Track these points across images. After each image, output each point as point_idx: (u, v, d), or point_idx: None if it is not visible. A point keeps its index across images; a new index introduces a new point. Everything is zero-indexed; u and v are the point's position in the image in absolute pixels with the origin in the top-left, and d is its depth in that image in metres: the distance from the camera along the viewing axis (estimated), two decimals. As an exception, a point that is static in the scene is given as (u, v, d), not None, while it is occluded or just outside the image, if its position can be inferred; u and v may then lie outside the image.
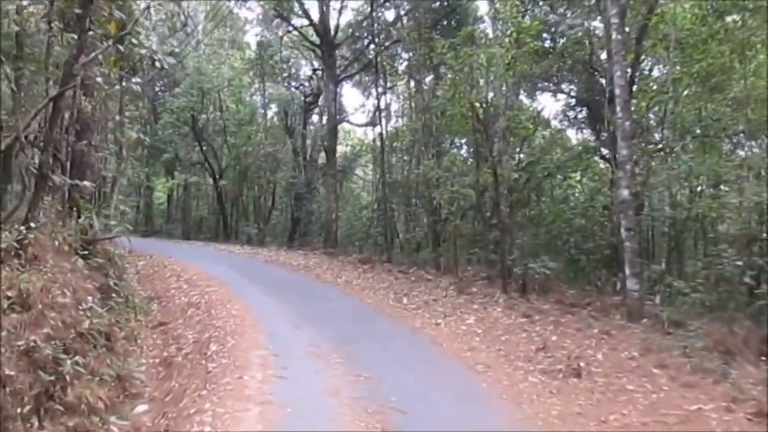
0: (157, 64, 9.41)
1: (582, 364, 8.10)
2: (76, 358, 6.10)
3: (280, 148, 28.90)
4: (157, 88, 34.14)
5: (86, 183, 11.48)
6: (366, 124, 27.76)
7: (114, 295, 9.42)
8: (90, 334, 6.76)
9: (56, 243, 7.46)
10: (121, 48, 9.13)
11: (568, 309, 11.62)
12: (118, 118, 11.76)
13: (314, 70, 27.16)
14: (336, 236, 24.13)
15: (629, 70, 13.35)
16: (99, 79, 9.30)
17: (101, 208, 10.26)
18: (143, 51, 9.44)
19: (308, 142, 31.73)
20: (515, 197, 13.95)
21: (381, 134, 22.84)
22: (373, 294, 14.12)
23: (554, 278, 13.96)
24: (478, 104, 13.24)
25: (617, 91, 11.43)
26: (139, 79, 12.24)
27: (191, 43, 31.66)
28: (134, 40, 9.63)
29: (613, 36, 11.48)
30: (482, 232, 16.76)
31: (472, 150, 20.83)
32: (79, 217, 9.25)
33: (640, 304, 10.96)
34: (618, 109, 11.36)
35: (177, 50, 31.37)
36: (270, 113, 33.86)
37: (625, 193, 11.16)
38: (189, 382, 7.68)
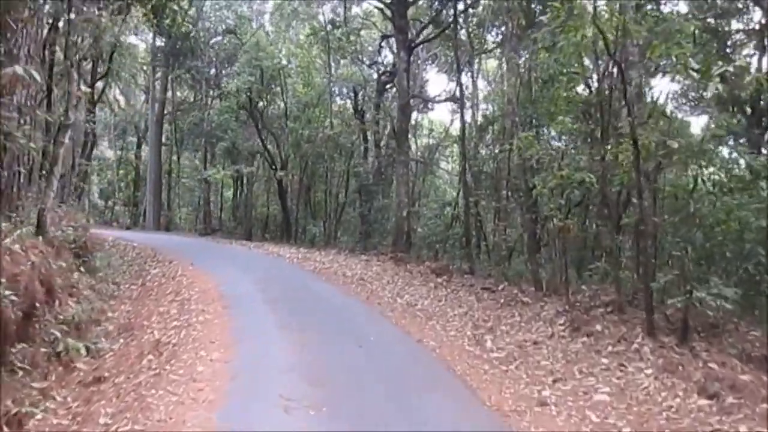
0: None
1: None
2: None
3: (347, 134, 24.63)
4: (218, 72, 30.94)
5: None
6: (446, 100, 22.92)
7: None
8: None
9: None
10: None
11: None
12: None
13: (383, 36, 22.65)
14: (409, 238, 19.59)
15: None
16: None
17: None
18: None
19: (386, 130, 27.41)
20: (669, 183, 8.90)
21: (461, 109, 18.13)
22: (442, 328, 9.51)
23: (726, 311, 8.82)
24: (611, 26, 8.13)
25: None
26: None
27: (251, 15, 28.10)
28: None
29: None
30: (603, 234, 11.83)
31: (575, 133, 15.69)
32: None
33: None
34: None
35: (234, 24, 28.03)
36: (341, 96, 29.78)
37: None
38: None
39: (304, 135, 22.89)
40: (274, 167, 25.92)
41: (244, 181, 29.94)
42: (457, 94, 19.77)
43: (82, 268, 10.77)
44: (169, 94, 34.83)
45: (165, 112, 34.56)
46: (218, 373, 6.59)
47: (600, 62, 9.64)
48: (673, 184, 9.31)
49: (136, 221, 36.25)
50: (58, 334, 7.44)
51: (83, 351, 8.12)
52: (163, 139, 36.13)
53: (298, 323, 8.94)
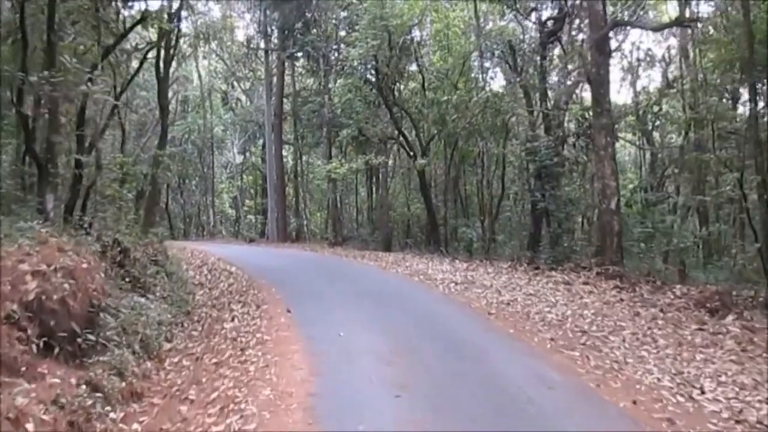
0: None
1: None
2: None
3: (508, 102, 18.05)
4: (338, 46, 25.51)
5: None
6: (671, 24, 15.16)
7: None
8: None
9: None
10: None
11: None
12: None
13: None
14: (620, 243, 12.81)
15: None
16: None
17: None
18: None
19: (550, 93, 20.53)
20: None
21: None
22: None
23: None
24: None
25: None
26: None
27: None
28: None
29: None
30: None
31: None
32: None
33: None
34: None
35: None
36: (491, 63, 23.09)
37: None
38: None
39: (450, 103, 16.59)
40: (412, 155, 19.94)
41: (379, 177, 24.46)
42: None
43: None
44: (289, 89, 30.00)
45: (285, 108, 29.79)
46: None
47: None
48: None
49: (263, 232, 31.95)
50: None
51: None
52: (290, 138, 31.52)
53: None
